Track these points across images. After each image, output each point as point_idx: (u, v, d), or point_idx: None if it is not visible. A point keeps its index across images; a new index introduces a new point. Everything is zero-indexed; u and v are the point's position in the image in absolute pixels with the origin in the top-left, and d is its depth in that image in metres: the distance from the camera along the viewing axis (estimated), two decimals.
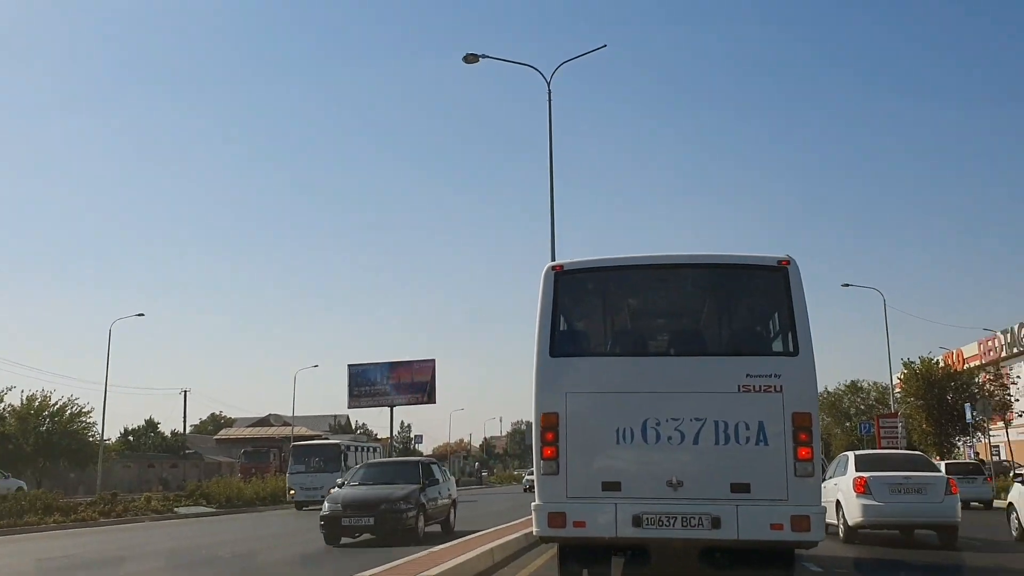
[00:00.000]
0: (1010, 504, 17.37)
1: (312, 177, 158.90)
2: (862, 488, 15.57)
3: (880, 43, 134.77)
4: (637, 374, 8.97)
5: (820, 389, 72.54)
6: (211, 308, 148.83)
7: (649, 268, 9.72)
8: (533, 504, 8.85)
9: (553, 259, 19.54)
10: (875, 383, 71.55)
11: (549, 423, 8.82)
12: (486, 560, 11.75)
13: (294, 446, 42.93)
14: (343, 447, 40.22)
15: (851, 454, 17.59)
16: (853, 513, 15.63)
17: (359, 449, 43.96)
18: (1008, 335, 59.75)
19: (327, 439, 47.76)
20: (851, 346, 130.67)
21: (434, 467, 20.85)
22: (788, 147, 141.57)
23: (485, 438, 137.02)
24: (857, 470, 16.26)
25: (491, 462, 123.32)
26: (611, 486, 8.66)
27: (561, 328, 9.54)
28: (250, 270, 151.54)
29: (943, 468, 18.50)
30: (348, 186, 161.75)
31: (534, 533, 9.03)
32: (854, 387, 74.86)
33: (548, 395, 8.93)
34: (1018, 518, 16.82)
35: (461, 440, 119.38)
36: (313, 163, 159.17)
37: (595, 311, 10.59)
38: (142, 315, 52.28)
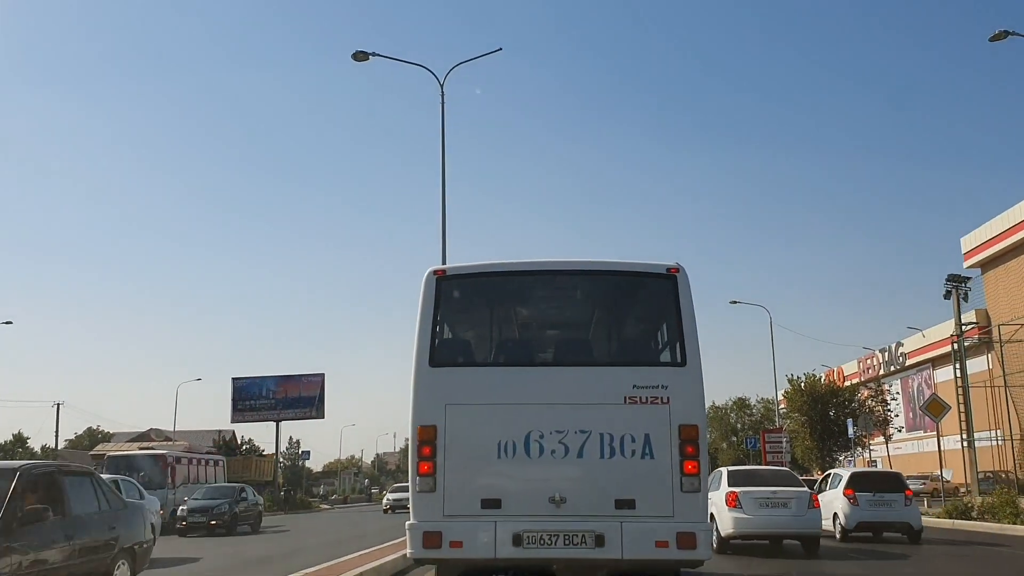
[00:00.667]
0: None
1: (197, 183, 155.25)
2: (733, 502, 16.69)
3: (773, 52, 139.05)
4: (521, 385, 8.54)
5: (708, 404, 74.08)
6: (88, 316, 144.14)
7: (535, 274, 9.33)
8: (408, 523, 8.32)
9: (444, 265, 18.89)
10: (762, 399, 73.24)
11: (426, 436, 8.31)
12: None
13: (108, 456, 37.55)
14: (170, 459, 35.80)
15: (724, 470, 18.55)
16: (725, 525, 16.63)
17: (195, 462, 39.62)
18: (886, 353, 61.95)
19: (153, 449, 41.92)
20: (739, 363, 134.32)
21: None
22: (681, 160, 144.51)
23: (377, 454, 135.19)
24: (729, 485, 17.32)
25: (383, 479, 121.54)
26: (491, 503, 8.20)
27: (442, 336, 9.08)
28: (129, 278, 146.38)
29: (845, 480, 20.54)
30: (234, 192, 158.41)
31: (408, 555, 8.50)
32: (741, 403, 76.65)
33: (426, 407, 8.43)
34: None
35: (352, 456, 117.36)
36: (198, 169, 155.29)
37: (478, 319, 10.14)
38: (10, 323, 50.02)
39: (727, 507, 16.64)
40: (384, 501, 49.62)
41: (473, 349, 9.93)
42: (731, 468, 18.95)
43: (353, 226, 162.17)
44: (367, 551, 15.13)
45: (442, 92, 23.55)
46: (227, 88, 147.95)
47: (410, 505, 8.41)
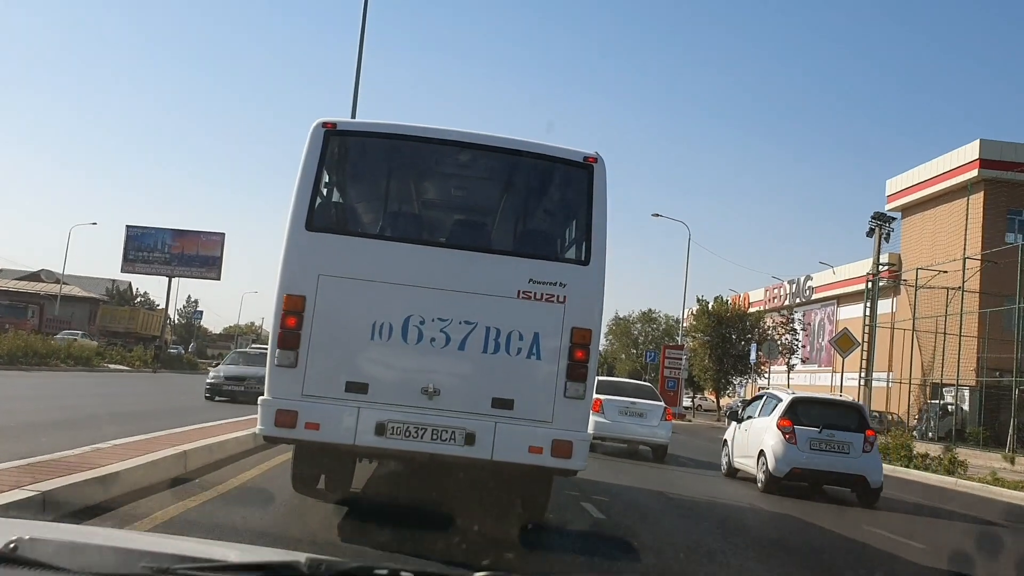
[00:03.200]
0: (724, 441, 17.92)
1: (100, 21, 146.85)
2: (598, 408, 17.97)
3: None
4: (406, 263, 7.71)
5: (612, 314, 73.87)
6: None
7: (439, 143, 8.34)
8: (261, 399, 7.52)
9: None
10: (668, 316, 74.05)
11: (293, 306, 7.44)
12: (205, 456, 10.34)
13: None
14: None
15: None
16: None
17: None
18: (794, 285, 62.87)
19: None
20: (652, 276, 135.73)
21: None
22: (616, 75, 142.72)
23: None
24: (596, 392, 16.54)
25: None
26: (357, 387, 7.45)
27: (324, 198, 8.14)
28: (26, 112, 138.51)
29: (784, 406, 15.30)
30: (138, 27, 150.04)
31: (257, 431, 7.72)
32: (647, 316, 77.45)
33: (297, 274, 7.54)
34: (729, 455, 17.20)
35: (252, 323, 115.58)
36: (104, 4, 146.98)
37: (368, 184, 9.16)
38: None
39: (592, 412, 16.10)
40: (208, 378, 25.83)
41: (359, 217, 9.01)
42: (600, 378, 19.22)
43: (270, 77, 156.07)
44: (218, 423, 14.08)
45: None
46: None
47: (266, 380, 7.61)
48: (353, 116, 19.50)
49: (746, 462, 16.01)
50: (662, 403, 19.82)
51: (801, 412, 15.09)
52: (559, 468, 7.68)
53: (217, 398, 24.00)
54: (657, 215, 53.87)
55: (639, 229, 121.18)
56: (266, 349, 8.19)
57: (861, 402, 24.64)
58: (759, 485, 14.95)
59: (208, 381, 25.28)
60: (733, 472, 16.83)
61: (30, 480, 6.82)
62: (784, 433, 14.58)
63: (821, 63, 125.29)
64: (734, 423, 17.68)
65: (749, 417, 16.66)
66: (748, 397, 30.96)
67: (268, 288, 7.73)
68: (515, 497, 8.98)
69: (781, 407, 15.26)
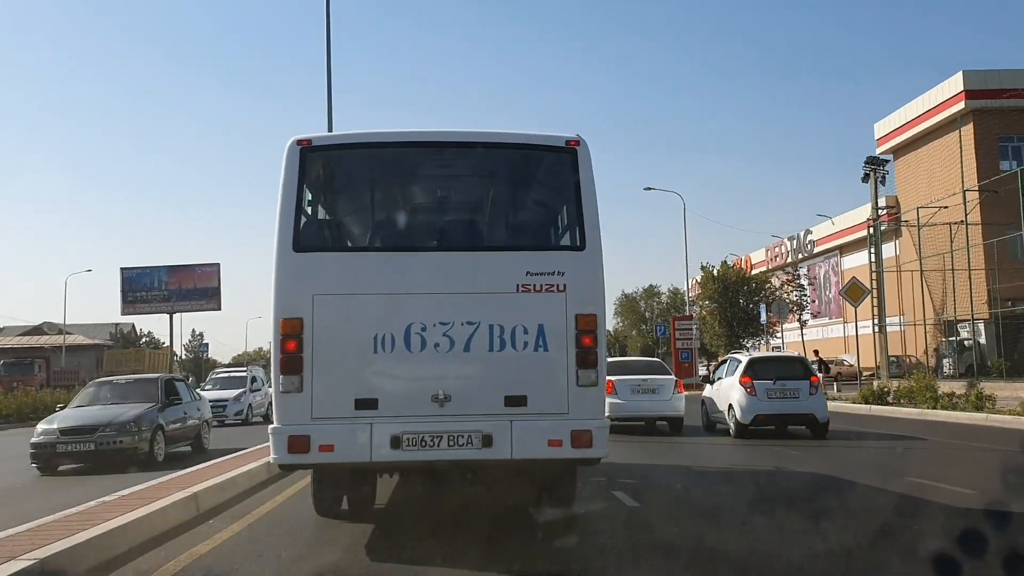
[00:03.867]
0: (702, 402, 20.69)
1: (81, 61, 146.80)
2: (611, 389, 17.86)
3: None
4: (400, 272, 7.59)
5: (618, 292, 73.72)
6: None
7: (416, 146, 8.21)
8: (271, 427, 7.41)
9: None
10: (672, 287, 73.89)
11: (291, 330, 7.33)
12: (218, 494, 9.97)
13: None
14: None
15: None
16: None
17: None
18: (794, 241, 62.67)
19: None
20: (650, 251, 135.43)
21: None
22: (587, 48, 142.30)
23: None
24: (607, 374, 17.34)
25: None
26: (366, 404, 7.34)
27: (308, 217, 8.00)
28: (10, 164, 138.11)
29: (742, 366, 18.50)
30: (119, 73, 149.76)
31: (271, 460, 7.60)
32: (650, 291, 77.34)
33: (290, 297, 7.42)
34: (706, 413, 20.28)
35: (260, 348, 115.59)
36: (79, 46, 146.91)
37: (351, 197, 9.02)
38: None
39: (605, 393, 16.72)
40: (37, 434, 15.68)
41: (346, 231, 8.89)
42: (609, 359, 18.93)
43: (246, 108, 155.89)
44: (234, 455, 13.83)
45: None
46: None
47: (273, 407, 7.50)
48: (329, 130, 19.25)
49: (719, 416, 19.21)
50: (673, 376, 20.12)
51: (758, 369, 18.35)
52: (581, 458, 7.63)
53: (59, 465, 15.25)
54: (650, 188, 53.58)
55: (633, 206, 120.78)
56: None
57: (852, 352, 29.53)
58: (731, 434, 17.93)
59: (33, 441, 15.23)
60: (711, 426, 19.91)
61: (28, 547, 6.57)
62: (746, 388, 17.81)
63: (797, 13, 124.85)
64: (707, 385, 20.73)
65: (719, 379, 19.76)
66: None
67: (269, 313, 7.58)
68: (541, 492, 8.89)
69: (741, 367, 18.53)
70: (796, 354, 28.02)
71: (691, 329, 44.98)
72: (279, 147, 7.66)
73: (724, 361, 21.56)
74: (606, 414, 7.75)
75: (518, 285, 7.48)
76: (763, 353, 26.17)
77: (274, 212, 7.53)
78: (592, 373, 7.45)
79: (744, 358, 19.52)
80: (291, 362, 7.30)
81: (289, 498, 10.41)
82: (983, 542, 6.58)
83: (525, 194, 9.13)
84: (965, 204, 34.65)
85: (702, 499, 9.28)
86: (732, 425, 17.98)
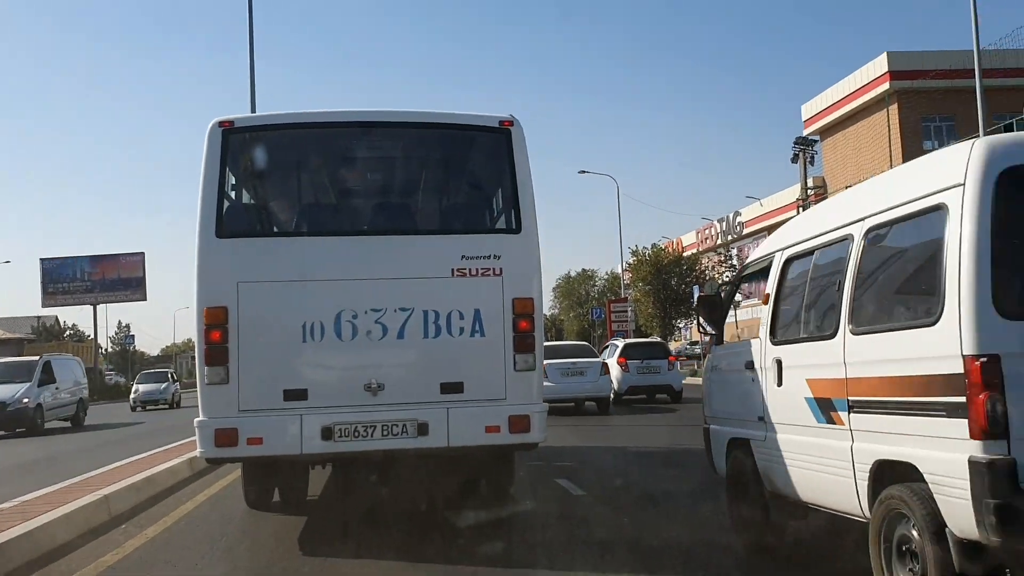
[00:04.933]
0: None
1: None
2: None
3: None
4: (329, 258, 7.35)
5: (559, 275, 73.64)
6: None
7: (345, 127, 7.96)
8: (196, 420, 7.15)
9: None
10: (609, 271, 74.27)
11: (215, 320, 7.06)
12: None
13: None
14: None
15: None
16: None
17: None
18: (724, 223, 63.35)
19: None
20: (587, 234, 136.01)
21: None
22: (523, 28, 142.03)
23: None
24: None
25: None
26: (296, 394, 7.11)
27: (232, 202, 7.74)
28: None
29: (619, 350, 23.80)
30: (30, 56, 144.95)
31: (198, 454, 7.35)
32: (586, 275, 77.59)
33: (214, 285, 7.15)
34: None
35: (189, 340, 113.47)
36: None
37: (277, 180, 8.72)
38: None
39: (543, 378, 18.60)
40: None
41: (271, 216, 8.58)
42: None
43: (169, 89, 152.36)
44: (158, 450, 13.27)
45: None
46: None
47: (199, 399, 7.22)
48: (252, 112, 18.55)
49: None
50: (599, 359, 21.96)
51: (630, 351, 23.64)
52: (519, 444, 7.52)
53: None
54: (584, 172, 53.72)
55: (569, 189, 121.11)
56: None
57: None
58: (611, 400, 21.68)
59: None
60: None
61: None
62: (622, 366, 22.86)
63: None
64: None
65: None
66: (693, 339, 38.18)
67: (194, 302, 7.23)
68: (478, 479, 8.78)
69: (618, 350, 23.85)
70: (658, 339, 34.10)
71: (626, 311, 45.29)
72: (203, 129, 7.36)
73: (607, 346, 26.91)
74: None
75: (453, 269, 7.33)
76: (634, 340, 30.99)
77: (196, 197, 7.24)
78: (530, 357, 7.34)
79: (621, 343, 25.37)
80: (216, 353, 7.05)
81: (211, 496, 10.00)
82: None
83: (459, 176, 8.96)
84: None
85: (647, 485, 9.09)
86: (612, 394, 22.09)
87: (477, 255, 7.37)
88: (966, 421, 4.01)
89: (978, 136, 5.97)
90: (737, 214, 61.35)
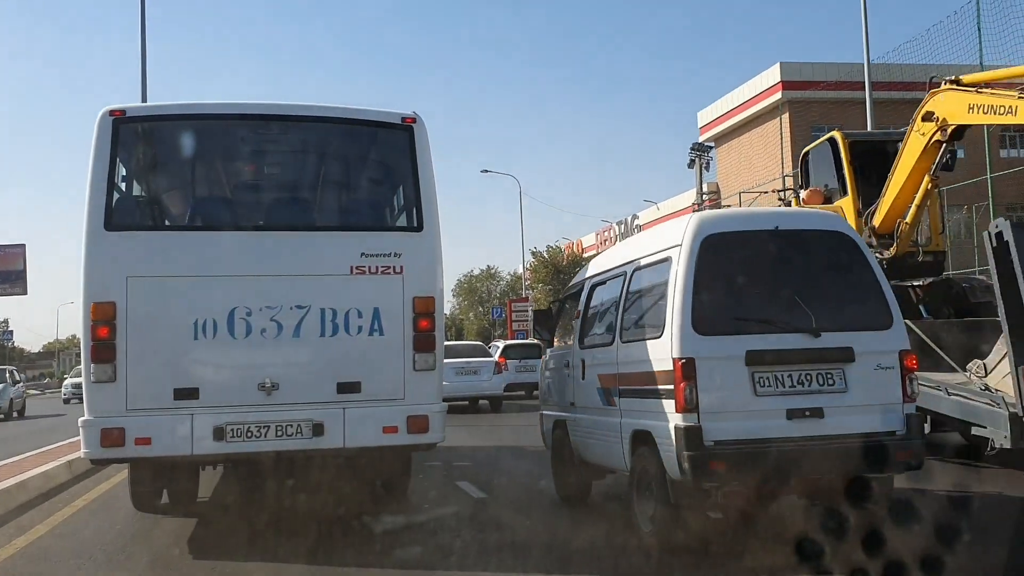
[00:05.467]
0: None
1: None
2: None
3: None
4: (222, 253, 7.20)
5: (461, 273, 73.51)
6: None
7: (240, 119, 7.79)
8: (81, 420, 6.90)
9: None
10: (512, 272, 74.52)
11: (103, 315, 6.83)
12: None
13: None
14: None
15: None
16: None
17: None
18: (622, 225, 64.29)
19: None
20: (490, 233, 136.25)
21: None
22: (423, 29, 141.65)
23: None
24: None
25: None
26: (186, 393, 6.94)
27: (122, 193, 7.49)
28: None
29: (500, 350, 25.26)
30: None
31: (83, 454, 7.10)
32: (488, 274, 77.81)
33: (101, 280, 6.92)
34: None
35: (73, 336, 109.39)
36: None
37: (170, 172, 8.47)
38: None
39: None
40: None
41: (163, 209, 8.38)
42: None
43: (56, 75, 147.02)
44: (31, 453, 12.62)
45: None
46: None
47: (84, 398, 6.97)
48: (143, 101, 17.75)
49: None
50: (493, 359, 22.91)
51: (510, 351, 25.27)
52: (417, 444, 7.47)
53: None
54: (486, 171, 53.58)
55: (471, 188, 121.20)
56: None
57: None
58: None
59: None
60: None
61: None
62: (501, 367, 22.93)
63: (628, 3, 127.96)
64: None
65: None
66: None
67: (80, 297, 6.94)
68: (375, 480, 8.70)
69: (499, 351, 25.22)
70: (535, 341, 33.76)
71: (527, 311, 45.54)
72: (93, 117, 7.09)
73: (490, 347, 27.92)
74: None
75: (352, 267, 7.26)
76: (512, 341, 32.38)
77: (84, 188, 6.98)
78: (429, 357, 7.32)
79: (502, 344, 27.37)
80: (103, 350, 6.83)
81: (92, 501, 9.60)
82: None
83: (359, 172, 8.86)
84: (784, 191, 36.32)
85: (548, 486, 9.10)
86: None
87: (377, 253, 7.31)
88: (674, 401, 6.04)
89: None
90: (635, 217, 62.36)
